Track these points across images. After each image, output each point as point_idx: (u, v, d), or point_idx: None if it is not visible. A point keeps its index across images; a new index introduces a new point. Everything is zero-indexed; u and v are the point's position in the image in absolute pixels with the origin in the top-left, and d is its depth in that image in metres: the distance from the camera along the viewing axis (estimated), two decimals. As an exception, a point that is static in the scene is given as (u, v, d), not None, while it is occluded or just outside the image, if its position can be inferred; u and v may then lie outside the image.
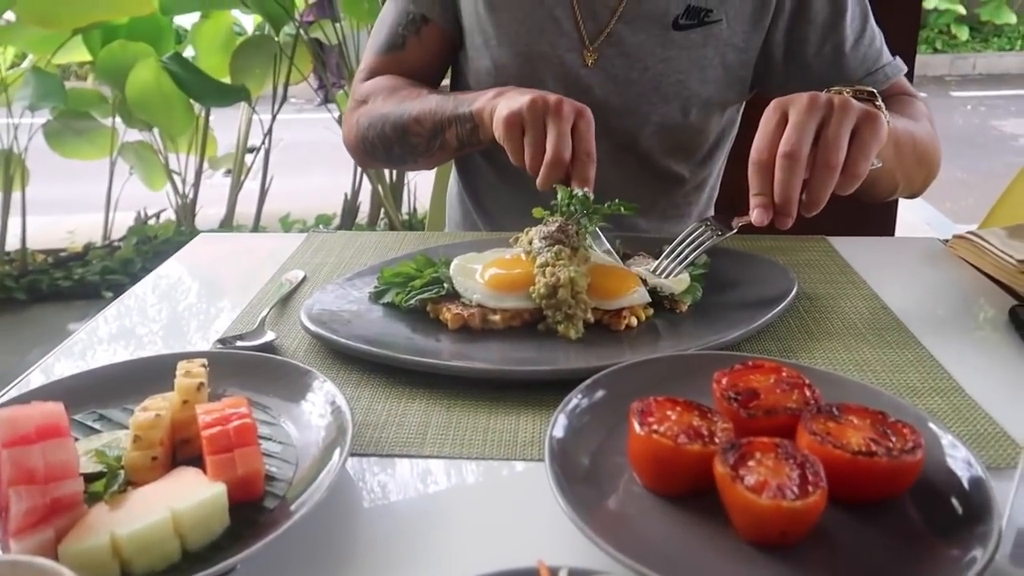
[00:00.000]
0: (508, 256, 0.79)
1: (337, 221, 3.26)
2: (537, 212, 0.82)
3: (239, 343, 0.71)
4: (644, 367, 0.62)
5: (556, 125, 0.77)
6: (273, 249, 0.98)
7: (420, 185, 3.08)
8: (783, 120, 0.72)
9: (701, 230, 0.79)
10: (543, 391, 0.65)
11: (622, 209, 0.78)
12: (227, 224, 3.21)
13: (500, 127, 0.81)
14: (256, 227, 3.21)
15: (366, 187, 3.22)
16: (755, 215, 0.72)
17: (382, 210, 3.23)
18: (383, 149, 1.02)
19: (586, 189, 0.78)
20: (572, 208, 0.79)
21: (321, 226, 0.99)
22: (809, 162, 0.71)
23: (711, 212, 1.22)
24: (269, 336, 0.73)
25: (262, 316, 0.77)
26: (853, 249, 0.96)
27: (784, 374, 0.58)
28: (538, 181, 0.79)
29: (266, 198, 3.23)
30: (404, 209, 3.25)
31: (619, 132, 1.03)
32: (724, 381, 0.57)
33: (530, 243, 0.78)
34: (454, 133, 0.95)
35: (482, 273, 0.76)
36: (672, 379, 0.61)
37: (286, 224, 3.29)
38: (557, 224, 0.77)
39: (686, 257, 0.78)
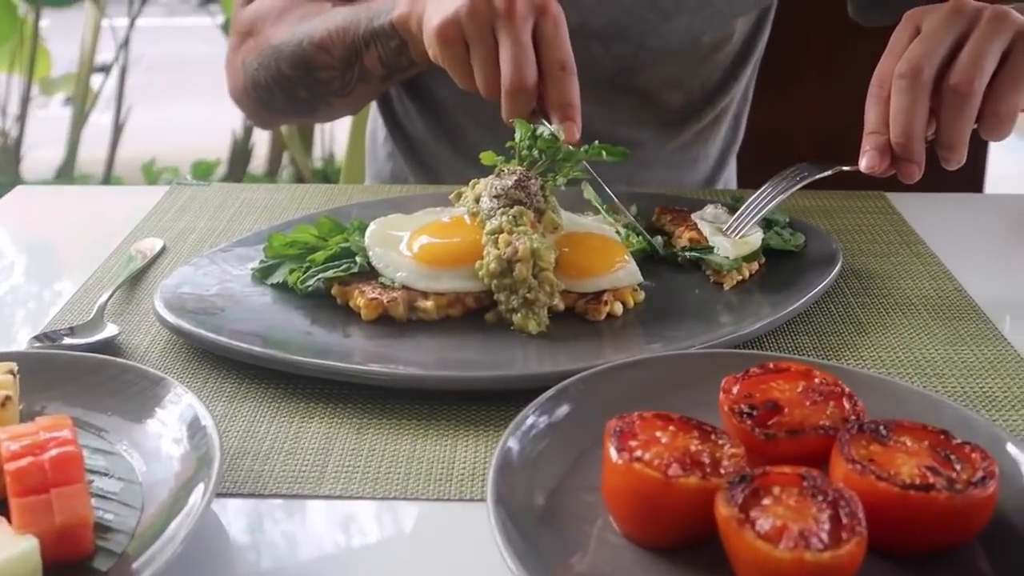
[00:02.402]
0: (446, 219, 0.79)
1: (222, 170, 3.24)
2: (487, 158, 0.82)
3: (66, 340, 0.71)
4: (626, 372, 0.63)
5: (509, 32, 0.76)
6: (122, 209, 0.97)
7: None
8: (915, 35, 0.73)
9: (791, 174, 0.81)
10: (489, 405, 0.65)
11: (604, 155, 0.79)
12: (66, 173, 3.17)
13: (433, 43, 0.80)
14: (108, 178, 3.18)
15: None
16: (865, 159, 0.74)
17: (285, 155, 3.21)
18: (283, 95, 1.01)
19: (564, 125, 0.77)
20: (535, 153, 0.79)
21: (188, 176, 0.98)
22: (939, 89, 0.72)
23: (735, 148, 1.23)
24: (109, 330, 0.72)
25: (101, 302, 0.76)
26: (921, 209, 0.98)
27: (816, 380, 0.59)
28: (503, 111, 0.79)
29: (121, 136, 3.19)
30: (316, 154, 3.24)
31: (605, 64, 1.04)
32: (735, 390, 0.58)
33: (476, 201, 0.78)
34: (376, 57, 0.93)
35: (410, 243, 0.76)
36: (664, 388, 0.62)
37: (150, 173, 3.26)
38: (515, 176, 0.77)
39: (760, 209, 0.80)
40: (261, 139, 3.25)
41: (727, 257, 0.79)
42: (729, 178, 1.27)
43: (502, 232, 0.73)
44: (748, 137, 1.26)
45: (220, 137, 3.24)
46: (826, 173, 0.81)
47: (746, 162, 1.28)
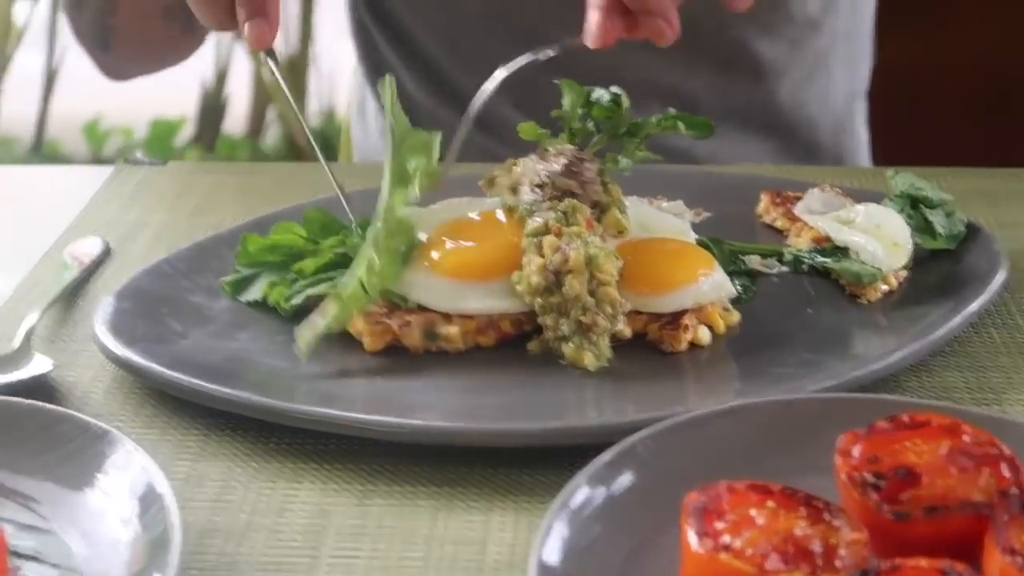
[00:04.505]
0: (475, 216, 0.80)
1: (189, 131, 3.27)
2: (526, 131, 0.83)
3: (-16, 378, 0.72)
4: (710, 425, 0.63)
5: None
6: (52, 196, 1.00)
7: (338, 60, 3.08)
8: None
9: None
10: (533, 467, 0.66)
11: (681, 127, 0.79)
12: (-15, 136, 3.21)
13: None
14: (39, 143, 3.22)
15: (240, 68, 3.22)
16: (591, 25, 0.75)
17: (270, 109, 3.23)
18: (74, 10, 1.10)
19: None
20: (588, 125, 0.80)
21: (140, 151, 1.01)
22: None
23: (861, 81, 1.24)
24: (39, 364, 0.74)
25: (28, 326, 0.78)
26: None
27: (966, 439, 0.59)
28: None
29: (55, 85, 3.23)
30: (312, 107, 3.26)
31: None
32: (856, 452, 0.58)
33: (514, 192, 0.79)
34: None
35: (427, 248, 0.77)
36: (763, 446, 0.62)
37: (95, 136, 3.30)
38: (564, 159, 0.78)
39: None
40: (239, 90, 3.26)
41: (872, 265, 0.79)
42: (862, 126, 1.28)
43: (548, 233, 0.74)
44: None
45: (186, 88, 3.25)
46: (549, 53, 0.81)
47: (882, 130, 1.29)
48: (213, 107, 3.22)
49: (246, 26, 0.81)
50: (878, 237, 0.81)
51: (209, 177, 1.03)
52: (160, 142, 3.19)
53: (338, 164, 1.09)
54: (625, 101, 0.80)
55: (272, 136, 3.28)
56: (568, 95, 0.80)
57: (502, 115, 1.14)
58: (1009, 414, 0.69)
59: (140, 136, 3.25)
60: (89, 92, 3.50)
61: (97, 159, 3.25)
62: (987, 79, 1.73)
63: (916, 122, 1.73)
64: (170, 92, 3.44)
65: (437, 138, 0.78)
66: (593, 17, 0.76)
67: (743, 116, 1.18)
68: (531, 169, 0.79)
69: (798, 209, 0.85)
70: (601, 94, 0.80)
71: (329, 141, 3.16)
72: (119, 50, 1.13)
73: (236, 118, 3.30)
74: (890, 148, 1.36)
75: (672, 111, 0.81)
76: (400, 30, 1.18)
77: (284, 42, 3.12)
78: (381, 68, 1.21)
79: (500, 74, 0.81)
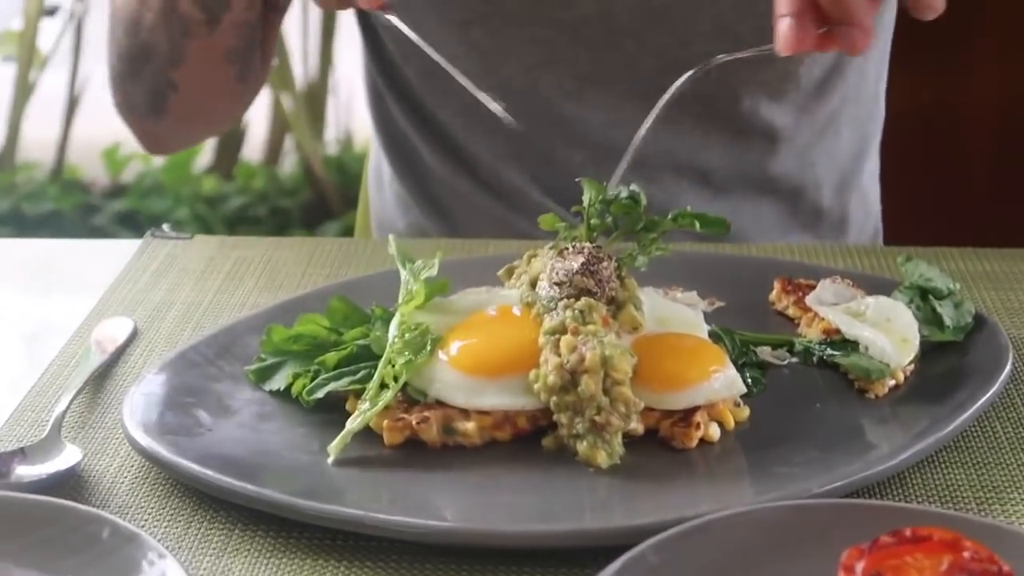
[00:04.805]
0: (494, 312, 0.82)
1: (207, 157, 3.28)
2: (546, 222, 0.85)
3: (18, 469, 0.74)
4: (718, 532, 0.65)
5: None
6: (77, 272, 1.02)
7: (356, 88, 3.08)
8: None
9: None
10: (546, 567, 0.67)
11: (697, 226, 0.81)
12: (6, 160, 3.21)
13: None
14: (58, 169, 3.23)
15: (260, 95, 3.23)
16: (780, 33, 0.75)
17: (288, 137, 3.25)
18: (129, 75, 1.11)
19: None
20: (607, 220, 0.82)
21: (166, 226, 1.00)
22: None
23: (875, 137, 1.27)
24: (70, 455, 0.75)
25: (57, 414, 0.79)
26: None
27: (967, 554, 0.60)
28: None
29: (77, 110, 3.24)
30: (331, 133, 3.27)
31: (647, 63, 1.07)
32: (859, 569, 0.59)
33: (533, 287, 0.81)
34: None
35: (446, 343, 0.79)
36: (771, 553, 0.64)
37: (113, 162, 3.31)
38: (582, 257, 0.79)
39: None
40: (257, 118, 3.27)
41: (880, 360, 0.81)
42: (870, 180, 1.29)
43: (565, 332, 0.75)
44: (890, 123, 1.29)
45: (204, 112, 3.28)
46: (740, 54, 0.83)
47: (894, 206, 1.30)
48: (231, 134, 3.22)
49: None
50: (887, 331, 0.82)
51: (234, 252, 1.05)
52: (178, 169, 3.19)
53: (355, 240, 1.10)
54: (643, 199, 0.81)
55: (289, 164, 3.29)
56: (588, 190, 0.82)
57: (512, 182, 1.17)
58: (1008, 518, 0.70)
59: (159, 163, 3.26)
60: (110, 117, 3.54)
61: (116, 184, 3.27)
62: (999, 109, 1.73)
63: (928, 173, 1.74)
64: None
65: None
66: (784, 24, 0.75)
67: (755, 183, 1.19)
68: (550, 267, 0.80)
69: (810, 300, 0.87)
70: (620, 190, 0.81)
71: (346, 168, 3.19)
72: (176, 111, 1.13)
73: (254, 145, 3.31)
74: (903, 209, 1.37)
75: (689, 208, 0.83)
76: (414, 100, 1.20)
77: (304, 70, 3.16)
78: (397, 136, 1.24)
79: (655, 111, 0.84)
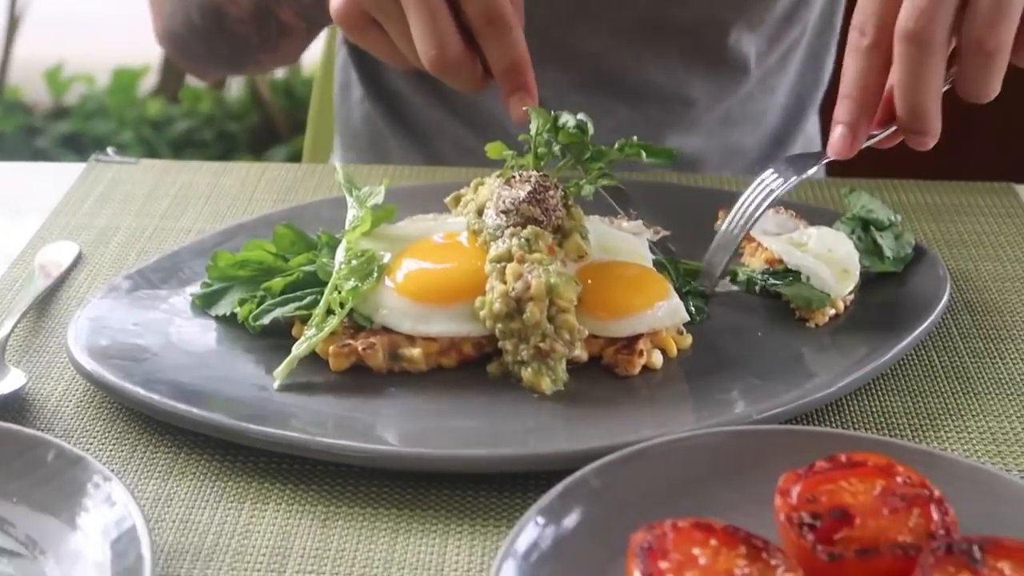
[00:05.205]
0: (440, 239, 0.82)
1: (152, 80, 3.24)
2: (493, 151, 0.85)
3: (-40, 392, 0.74)
4: (659, 457, 0.66)
5: (417, 8, 0.79)
6: (19, 196, 1.00)
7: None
8: None
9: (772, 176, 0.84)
10: (490, 490, 0.69)
11: (643, 155, 0.82)
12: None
13: (341, 28, 0.86)
14: (0, 89, 3.17)
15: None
16: (832, 140, 0.78)
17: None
18: (201, 48, 1.07)
19: (510, 101, 0.81)
20: (554, 150, 0.82)
21: (111, 150, 0.98)
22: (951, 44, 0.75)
23: (816, 95, 1.28)
24: (14, 378, 0.76)
25: (0, 340, 0.79)
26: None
27: (899, 479, 0.61)
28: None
29: (18, 30, 3.18)
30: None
31: None
32: (795, 492, 0.61)
33: (480, 214, 0.81)
34: (292, 13, 1.00)
35: (392, 269, 0.79)
36: (711, 477, 0.65)
37: (56, 83, 3.26)
38: (529, 185, 0.80)
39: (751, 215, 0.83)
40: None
41: (821, 290, 0.82)
42: (810, 138, 1.30)
43: (511, 260, 0.76)
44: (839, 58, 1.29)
45: (150, 35, 3.22)
46: (810, 173, 0.84)
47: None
48: (178, 55, 3.18)
49: (511, 101, 0.82)
50: (829, 262, 0.84)
51: (179, 177, 1.04)
52: (123, 92, 3.15)
53: (303, 166, 1.09)
54: (590, 128, 0.81)
55: (236, 87, 3.25)
56: (535, 119, 0.82)
57: (489, 112, 1.16)
58: (942, 446, 0.72)
59: (103, 84, 3.22)
60: (51, 35, 3.48)
61: (59, 106, 3.23)
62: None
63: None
64: (134, 40, 3.39)
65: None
66: (838, 131, 0.78)
67: (731, 113, 1.20)
68: (497, 194, 0.80)
69: (753, 230, 0.88)
70: (568, 119, 0.82)
71: (294, 92, 3.15)
72: (251, 71, 1.11)
73: (200, 69, 3.26)
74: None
75: (635, 138, 0.83)
76: None
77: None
78: (369, 59, 1.21)
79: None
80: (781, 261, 0.85)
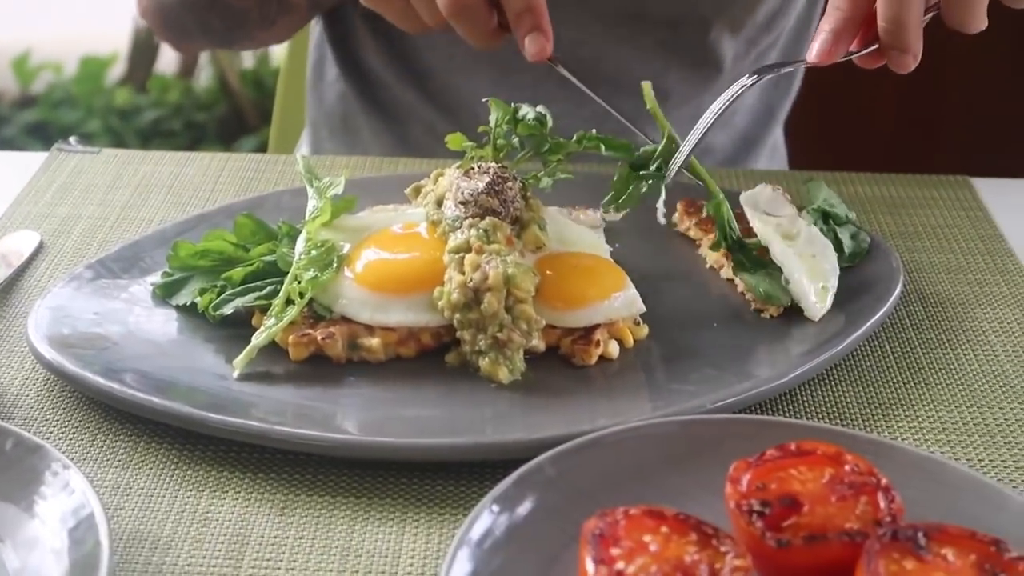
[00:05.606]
0: (399, 230, 0.83)
1: (120, 68, 3.22)
2: (454, 142, 0.86)
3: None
4: (613, 446, 0.67)
5: None
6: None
7: None
8: None
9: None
10: (447, 478, 0.70)
11: (602, 148, 0.83)
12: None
13: None
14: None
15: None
16: (814, 45, 0.78)
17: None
18: (194, 22, 1.06)
19: (528, 39, 0.79)
20: (513, 142, 0.83)
21: (73, 139, 0.98)
22: None
23: (784, 104, 1.29)
24: (-29, 368, 0.76)
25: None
26: (1019, 201, 1.01)
27: (848, 467, 0.62)
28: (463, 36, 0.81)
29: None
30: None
31: None
32: (745, 480, 0.62)
33: (439, 206, 0.82)
34: None
35: (351, 260, 0.80)
36: (663, 466, 0.66)
37: (23, 72, 3.24)
38: (488, 176, 0.81)
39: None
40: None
41: (794, 300, 0.82)
42: (775, 145, 1.31)
43: (469, 251, 0.77)
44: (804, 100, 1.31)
45: (118, 24, 3.21)
46: (788, 68, 0.86)
47: (802, 133, 1.32)
48: (145, 45, 3.16)
49: (526, 40, 0.80)
50: (812, 271, 0.83)
51: (142, 167, 1.04)
52: (90, 80, 3.13)
53: (265, 156, 1.10)
54: (549, 120, 0.82)
55: (205, 77, 3.23)
56: (495, 111, 0.83)
57: (463, 97, 1.17)
58: (892, 435, 0.74)
59: (70, 72, 3.20)
60: (18, 23, 3.45)
61: (25, 95, 3.21)
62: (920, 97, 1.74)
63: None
64: (102, 28, 3.38)
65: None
66: (821, 37, 0.78)
67: (702, 110, 1.20)
68: (456, 186, 0.81)
69: (742, 199, 0.88)
70: (527, 112, 0.82)
71: (263, 82, 3.14)
72: (240, 46, 1.11)
73: (168, 58, 3.24)
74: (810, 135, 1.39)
75: (594, 131, 0.84)
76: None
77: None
78: (339, 28, 1.21)
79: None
80: (744, 253, 0.85)
